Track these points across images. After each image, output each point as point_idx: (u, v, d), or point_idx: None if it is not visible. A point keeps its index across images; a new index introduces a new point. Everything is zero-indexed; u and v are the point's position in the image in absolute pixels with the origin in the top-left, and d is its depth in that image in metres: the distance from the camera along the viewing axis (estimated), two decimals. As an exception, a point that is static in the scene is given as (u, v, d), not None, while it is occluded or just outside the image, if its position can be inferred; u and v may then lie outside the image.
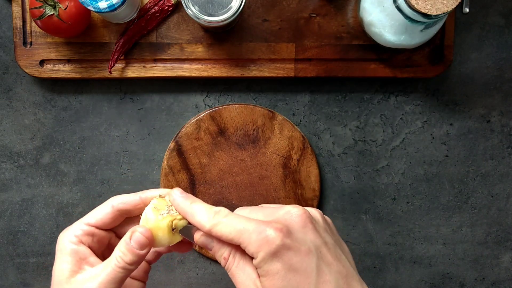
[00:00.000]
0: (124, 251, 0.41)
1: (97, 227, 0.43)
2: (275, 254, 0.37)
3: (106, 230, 0.44)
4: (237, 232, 0.39)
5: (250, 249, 0.38)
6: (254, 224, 0.38)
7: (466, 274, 0.69)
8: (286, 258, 0.37)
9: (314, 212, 0.41)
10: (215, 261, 0.68)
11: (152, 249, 0.46)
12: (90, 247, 0.43)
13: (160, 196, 0.44)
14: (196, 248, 0.66)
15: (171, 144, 0.64)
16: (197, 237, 0.42)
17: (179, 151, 0.64)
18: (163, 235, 0.42)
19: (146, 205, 0.43)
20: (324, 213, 0.45)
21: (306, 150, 0.65)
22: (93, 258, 0.42)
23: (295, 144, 0.65)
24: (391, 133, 0.67)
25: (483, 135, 0.68)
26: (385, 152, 0.68)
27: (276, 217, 0.39)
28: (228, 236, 0.39)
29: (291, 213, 0.39)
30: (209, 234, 0.40)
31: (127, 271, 0.41)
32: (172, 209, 0.42)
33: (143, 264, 0.47)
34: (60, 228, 0.67)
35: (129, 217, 0.46)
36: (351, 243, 0.68)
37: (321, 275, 0.38)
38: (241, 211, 0.42)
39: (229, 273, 0.41)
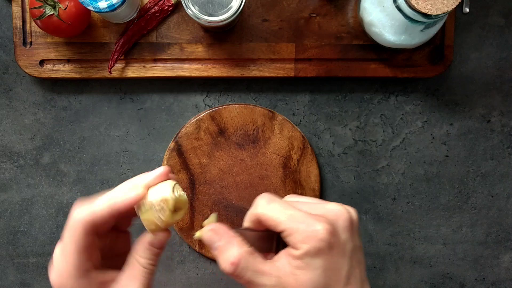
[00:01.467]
0: (149, 255, 0.40)
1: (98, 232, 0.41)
2: (321, 250, 0.37)
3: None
4: (287, 217, 0.38)
5: (295, 238, 0.37)
6: (303, 215, 0.38)
7: (466, 274, 0.69)
8: (328, 257, 0.37)
9: (353, 213, 0.41)
10: (215, 261, 0.68)
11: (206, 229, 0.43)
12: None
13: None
14: (196, 248, 0.66)
15: (171, 144, 0.64)
16: (205, 231, 0.40)
17: (179, 151, 0.64)
18: (169, 216, 0.39)
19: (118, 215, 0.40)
20: None
21: (306, 150, 0.65)
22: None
23: (295, 144, 0.64)
24: (391, 133, 0.67)
25: (483, 135, 0.68)
26: (385, 152, 0.68)
27: (323, 212, 0.39)
28: (276, 220, 0.38)
29: (337, 212, 0.39)
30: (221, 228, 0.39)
31: (153, 273, 0.41)
32: (176, 191, 0.40)
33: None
34: (60, 228, 0.67)
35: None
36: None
37: (350, 277, 0.38)
38: (289, 198, 0.42)
39: (241, 280, 0.38)
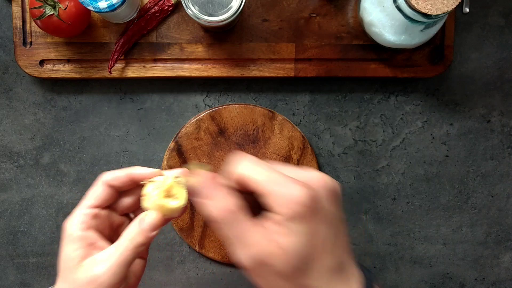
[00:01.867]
0: (135, 233, 0.41)
1: (98, 207, 0.43)
2: (303, 215, 0.35)
3: (105, 208, 0.44)
4: (268, 179, 0.36)
5: (275, 201, 0.35)
6: (284, 178, 0.36)
7: (466, 274, 0.69)
8: (311, 224, 0.35)
9: (336, 185, 0.39)
10: (215, 261, 0.68)
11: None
12: (97, 231, 0.43)
13: (150, 181, 0.43)
14: (196, 248, 0.66)
15: (171, 144, 0.64)
16: (193, 179, 0.39)
17: (179, 151, 0.64)
18: (170, 208, 0.41)
19: (135, 183, 0.44)
20: None
21: (306, 150, 0.65)
22: (102, 243, 0.42)
23: (295, 144, 0.64)
24: (391, 133, 0.67)
25: (483, 135, 0.68)
26: (385, 152, 0.68)
27: (306, 179, 0.37)
28: (255, 181, 0.36)
29: (319, 179, 0.37)
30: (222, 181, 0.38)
31: (137, 253, 0.41)
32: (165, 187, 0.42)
33: None
34: (60, 228, 0.67)
35: (122, 192, 0.45)
36: (351, 243, 0.68)
37: (335, 246, 0.37)
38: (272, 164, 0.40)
39: (230, 232, 0.37)
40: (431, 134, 0.68)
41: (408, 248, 0.69)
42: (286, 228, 0.35)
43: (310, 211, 0.35)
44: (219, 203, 0.37)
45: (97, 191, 0.43)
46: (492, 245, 0.69)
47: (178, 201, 0.41)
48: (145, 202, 0.42)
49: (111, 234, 0.45)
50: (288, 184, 0.36)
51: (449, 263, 0.69)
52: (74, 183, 0.67)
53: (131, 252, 0.41)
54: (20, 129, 0.66)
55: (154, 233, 0.41)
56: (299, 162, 0.65)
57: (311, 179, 0.37)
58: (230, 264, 0.67)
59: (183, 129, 0.64)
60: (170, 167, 0.64)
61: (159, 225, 0.42)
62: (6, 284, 0.68)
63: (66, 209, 0.67)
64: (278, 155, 0.64)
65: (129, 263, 0.41)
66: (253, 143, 0.64)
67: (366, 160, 0.68)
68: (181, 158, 0.64)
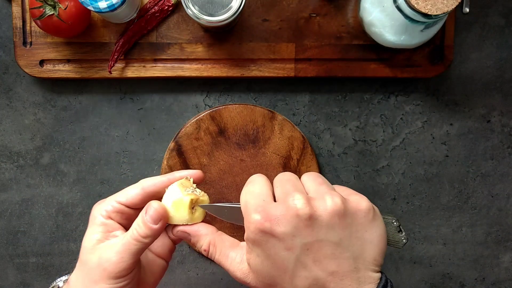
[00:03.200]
0: (140, 224, 0.42)
1: (126, 206, 0.45)
2: (256, 240, 0.39)
3: (135, 208, 0.46)
4: (243, 203, 0.41)
5: (246, 224, 0.40)
6: (255, 202, 0.40)
7: (466, 274, 0.69)
8: (265, 246, 0.39)
9: (327, 202, 0.39)
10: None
11: (177, 228, 0.47)
12: (119, 223, 0.45)
13: (186, 178, 0.46)
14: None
15: (171, 144, 0.64)
16: (174, 231, 0.45)
17: (179, 151, 0.64)
18: (184, 211, 0.44)
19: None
20: None
21: (306, 150, 0.65)
22: (120, 232, 0.44)
23: (295, 144, 0.64)
24: (391, 133, 0.67)
25: (483, 135, 0.68)
26: (385, 152, 0.68)
27: (282, 203, 0.39)
28: (240, 203, 0.42)
29: (291, 205, 0.38)
30: (184, 232, 0.45)
31: (142, 244, 0.42)
32: (196, 190, 0.45)
33: (168, 242, 0.48)
34: (60, 228, 0.67)
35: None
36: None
37: (299, 269, 0.39)
38: (278, 178, 0.44)
39: (215, 262, 0.44)
40: (431, 134, 0.68)
41: (408, 248, 0.69)
42: (250, 248, 0.41)
43: (262, 236, 0.39)
44: (203, 241, 0.45)
45: (131, 193, 0.45)
46: (492, 245, 0.69)
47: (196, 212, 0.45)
48: (164, 198, 0.45)
49: None
50: (250, 209, 0.40)
51: (449, 263, 0.69)
52: (74, 183, 0.67)
53: (135, 242, 0.42)
54: (20, 129, 0.66)
55: (157, 226, 0.43)
56: (299, 162, 0.65)
57: (286, 203, 0.39)
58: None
59: (183, 129, 0.64)
60: (170, 167, 0.64)
61: (160, 218, 0.43)
62: (6, 284, 0.68)
63: (66, 209, 0.67)
64: (278, 155, 0.64)
65: (135, 254, 0.42)
66: (253, 143, 0.64)
67: (366, 160, 0.68)
68: (181, 158, 0.64)
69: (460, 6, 0.66)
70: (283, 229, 0.38)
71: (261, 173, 0.44)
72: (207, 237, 0.44)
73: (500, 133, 0.68)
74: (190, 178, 0.46)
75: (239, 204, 0.42)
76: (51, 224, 0.67)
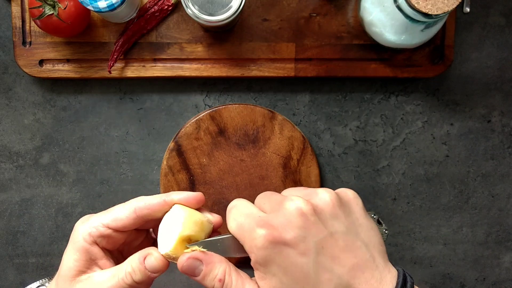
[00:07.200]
0: (135, 270, 0.39)
1: (115, 230, 0.40)
2: (268, 257, 0.36)
3: (123, 231, 0.42)
4: (236, 227, 0.37)
5: (247, 249, 0.36)
6: (250, 222, 0.37)
7: (466, 274, 0.69)
8: (280, 259, 0.36)
9: (322, 196, 0.38)
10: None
11: (187, 255, 0.41)
12: (103, 248, 0.41)
13: (208, 221, 0.41)
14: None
15: (171, 144, 0.64)
16: (183, 260, 0.38)
17: (179, 151, 0.64)
18: (181, 251, 0.39)
19: (170, 206, 0.41)
20: None
21: (306, 150, 0.65)
22: (104, 261, 0.41)
23: (295, 144, 0.64)
24: (392, 133, 0.67)
25: (484, 135, 0.68)
26: (386, 152, 0.67)
27: (279, 210, 0.37)
28: (231, 230, 0.38)
29: (291, 208, 0.36)
30: (196, 258, 0.38)
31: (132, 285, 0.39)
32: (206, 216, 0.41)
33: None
34: (60, 228, 0.67)
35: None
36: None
37: (320, 273, 0.36)
38: (258, 199, 0.40)
39: None
40: (432, 134, 0.67)
41: (408, 248, 0.69)
42: (261, 272, 0.37)
43: (274, 249, 0.35)
44: (218, 270, 0.38)
45: (121, 215, 0.40)
46: (493, 245, 0.69)
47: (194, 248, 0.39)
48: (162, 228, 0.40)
49: (121, 248, 0.43)
50: (250, 228, 0.36)
51: (449, 263, 0.69)
52: (74, 183, 0.67)
53: (126, 286, 0.39)
54: (20, 129, 0.66)
55: (155, 275, 0.39)
56: (299, 162, 0.64)
57: (283, 209, 0.37)
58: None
59: (183, 129, 0.64)
60: (170, 167, 0.64)
61: (160, 270, 0.39)
62: (6, 284, 0.68)
63: (65, 209, 0.67)
64: (278, 155, 0.64)
65: None
66: (253, 143, 0.64)
67: (366, 160, 0.67)
68: (181, 158, 0.64)
69: (460, 6, 0.65)
70: (292, 233, 0.36)
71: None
72: (222, 265, 0.38)
73: (501, 133, 0.68)
74: (211, 223, 0.41)
75: (229, 234, 0.39)
76: (50, 224, 0.67)
